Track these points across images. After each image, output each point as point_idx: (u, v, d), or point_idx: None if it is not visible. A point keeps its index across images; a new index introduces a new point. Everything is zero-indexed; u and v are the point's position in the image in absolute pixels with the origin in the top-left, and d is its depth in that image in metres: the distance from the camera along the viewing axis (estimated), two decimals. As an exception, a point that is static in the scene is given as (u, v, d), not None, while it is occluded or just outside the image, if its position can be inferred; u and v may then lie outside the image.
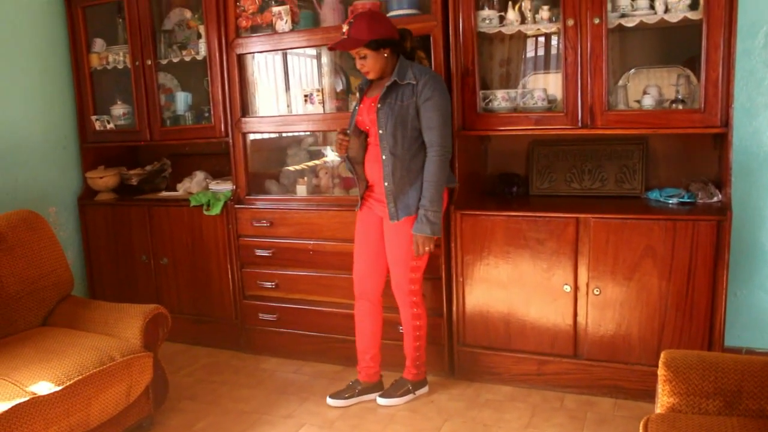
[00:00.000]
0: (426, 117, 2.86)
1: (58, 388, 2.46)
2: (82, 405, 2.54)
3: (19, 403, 2.32)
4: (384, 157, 2.91)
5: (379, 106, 2.90)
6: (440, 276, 3.28)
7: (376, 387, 3.21)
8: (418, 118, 2.88)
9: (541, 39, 3.42)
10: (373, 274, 3.13)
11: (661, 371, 2.08)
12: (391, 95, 2.89)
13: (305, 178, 3.71)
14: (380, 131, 2.91)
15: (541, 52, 3.46)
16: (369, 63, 2.89)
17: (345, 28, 2.88)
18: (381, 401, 3.14)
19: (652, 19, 2.90)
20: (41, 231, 3.20)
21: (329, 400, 3.16)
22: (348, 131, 3.02)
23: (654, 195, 3.19)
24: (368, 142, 3.01)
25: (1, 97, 3.80)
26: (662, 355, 2.12)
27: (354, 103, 3.15)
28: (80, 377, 2.54)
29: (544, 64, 3.46)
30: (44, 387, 2.44)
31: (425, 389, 3.22)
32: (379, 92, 2.92)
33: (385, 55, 2.89)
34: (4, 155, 3.81)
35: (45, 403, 2.40)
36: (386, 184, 2.93)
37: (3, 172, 3.80)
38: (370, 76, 2.94)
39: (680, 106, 2.96)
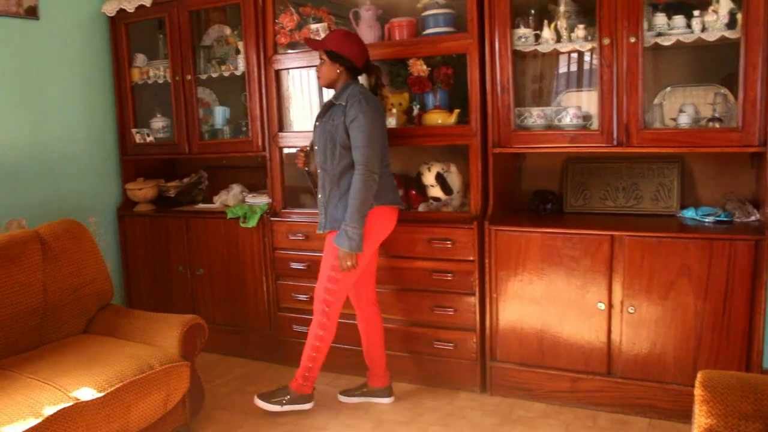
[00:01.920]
0: (352, 137, 2.99)
1: (100, 395, 2.52)
2: (123, 412, 2.60)
3: (64, 408, 2.38)
4: (319, 171, 3.14)
5: (316, 123, 3.16)
6: (474, 292, 3.29)
7: (383, 392, 3.37)
8: (348, 137, 3.01)
9: (575, 55, 3.44)
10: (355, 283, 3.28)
11: (698, 391, 2.06)
12: (327, 114, 3.12)
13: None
14: (315, 147, 3.16)
15: (574, 68, 3.48)
16: (322, 69, 3.13)
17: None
18: (256, 400, 3.27)
19: (688, 38, 2.90)
20: (84, 240, 3.28)
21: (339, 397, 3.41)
22: (308, 147, 3.27)
23: (690, 213, 3.18)
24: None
25: (48, 110, 3.93)
26: (699, 375, 2.10)
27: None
28: (121, 384, 2.60)
29: (578, 81, 3.47)
30: (87, 393, 2.51)
31: (367, 398, 3.38)
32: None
33: (338, 70, 3.09)
34: (49, 166, 3.93)
35: (88, 409, 2.46)
36: (320, 196, 3.16)
37: (48, 182, 3.92)
38: (320, 83, 3.20)
39: (717, 125, 2.95)
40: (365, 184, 2.95)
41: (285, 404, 3.23)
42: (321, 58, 3.11)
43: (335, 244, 3.02)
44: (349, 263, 3.00)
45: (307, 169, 3.31)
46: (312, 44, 3.14)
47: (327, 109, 3.12)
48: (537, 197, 3.52)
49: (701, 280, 2.86)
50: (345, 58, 3.06)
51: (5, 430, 2.25)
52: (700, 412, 2.04)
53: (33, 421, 2.30)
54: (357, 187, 2.95)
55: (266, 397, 3.26)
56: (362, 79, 3.26)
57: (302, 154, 3.30)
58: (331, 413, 3.26)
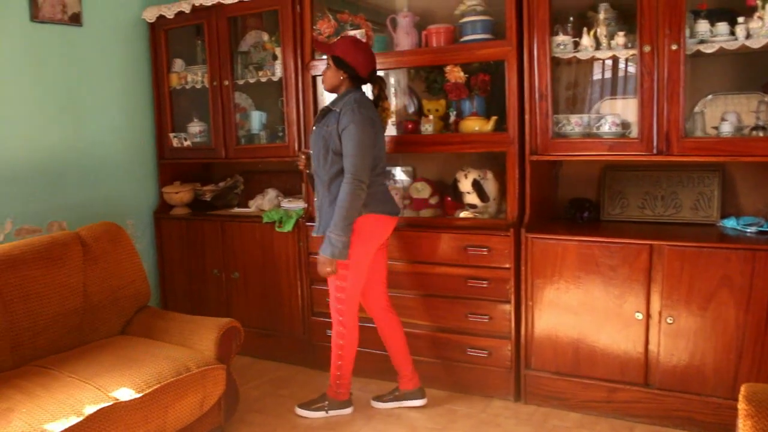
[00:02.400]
0: (343, 144, 2.99)
1: (138, 395, 2.55)
2: (160, 412, 2.62)
3: (104, 408, 2.42)
4: (314, 175, 3.19)
5: (314, 128, 3.18)
6: (509, 299, 3.27)
7: (414, 394, 3.37)
8: (340, 144, 3.01)
9: (609, 62, 3.40)
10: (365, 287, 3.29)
11: (741, 405, 2.03)
12: (323, 120, 3.11)
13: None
14: (311, 152, 3.19)
15: (609, 75, 3.45)
16: (326, 73, 3.15)
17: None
18: (297, 410, 3.32)
19: (732, 46, 2.85)
20: (122, 243, 3.33)
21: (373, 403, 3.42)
22: (309, 150, 3.27)
23: (730, 223, 3.12)
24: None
25: (89, 114, 4.00)
26: (743, 389, 2.07)
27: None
28: (158, 385, 2.63)
29: (614, 88, 3.43)
30: (125, 393, 2.54)
31: (397, 403, 3.38)
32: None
33: (341, 77, 3.10)
34: (88, 169, 4.00)
35: (126, 409, 2.49)
36: (316, 199, 3.21)
37: (87, 185, 3.99)
38: (324, 87, 3.21)
39: (761, 133, 2.90)
40: (352, 193, 2.94)
41: (329, 410, 3.28)
42: (327, 63, 3.13)
43: (319, 251, 3.04)
44: (328, 269, 3.02)
45: (308, 171, 3.34)
46: (320, 47, 3.23)
47: (324, 114, 3.13)
48: (574, 205, 3.49)
49: (743, 291, 2.81)
50: (349, 66, 3.06)
51: (48, 427, 2.29)
52: (745, 426, 2.00)
53: (74, 420, 2.34)
54: (343, 196, 2.95)
55: (307, 406, 3.30)
56: (367, 89, 3.22)
57: (303, 157, 3.35)
58: (363, 419, 3.26)
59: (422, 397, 3.36)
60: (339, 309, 3.18)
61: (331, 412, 3.28)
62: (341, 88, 3.12)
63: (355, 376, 3.44)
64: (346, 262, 3.05)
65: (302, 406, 3.32)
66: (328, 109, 3.10)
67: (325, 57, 3.19)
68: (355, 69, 3.07)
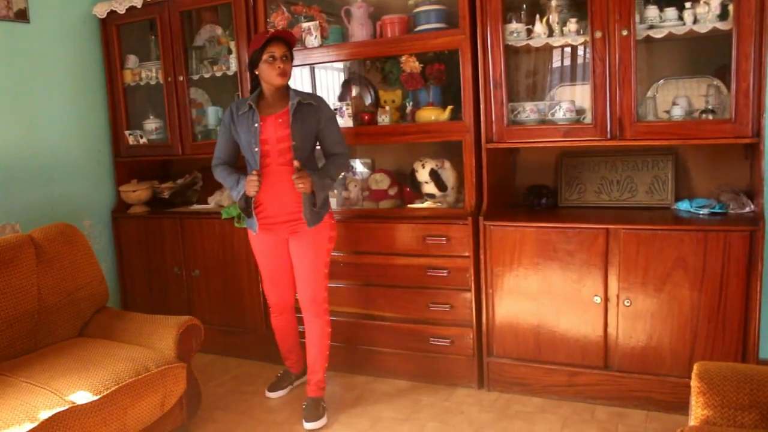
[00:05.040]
0: (333, 131, 3.14)
1: (96, 398, 2.51)
2: (119, 414, 2.58)
3: (59, 412, 2.37)
4: (298, 167, 2.98)
5: (291, 122, 3.02)
6: (470, 288, 3.29)
7: (300, 375, 3.58)
8: (317, 133, 3.12)
9: (568, 50, 3.44)
10: (289, 288, 3.35)
11: (694, 383, 2.07)
12: (298, 113, 3.05)
13: (335, 191, 3.75)
14: (294, 143, 3.03)
15: (567, 62, 3.47)
16: (289, 67, 3.06)
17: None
18: (309, 425, 3.10)
19: (680, 30, 2.90)
20: (78, 244, 3.27)
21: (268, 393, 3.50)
22: (257, 171, 3.03)
23: (684, 206, 3.18)
24: (265, 164, 3.06)
25: (39, 113, 3.91)
26: (695, 367, 2.11)
27: (250, 124, 3.07)
28: (117, 387, 2.59)
29: (571, 75, 3.46)
30: (83, 396, 2.49)
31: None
32: (277, 111, 3.07)
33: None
34: (41, 170, 3.91)
35: (83, 412, 2.45)
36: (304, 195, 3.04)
37: (41, 186, 3.90)
38: (283, 81, 3.02)
39: (710, 117, 2.95)
40: (347, 166, 3.36)
41: (325, 408, 3.23)
42: (286, 56, 3.04)
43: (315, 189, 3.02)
44: (307, 190, 2.99)
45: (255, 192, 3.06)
46: (291, 38, 3.08)
47: (296, 110, 3.03)
48: (531, 192, 3.51)
49: (696, 272, 2.86)
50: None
51: (0, 434, 2.24)
52: (697, 403, 2.05)
53: (29, 426, 2.28)
54: (344, 162, 3.20)
55: (312, 417, 3.12)
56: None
57: (257, 176, 3.02)
58: (329, 412, 3.25)
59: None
60: (326, 298, 3.23)
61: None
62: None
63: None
64: (329, 248, 3.21)
65: (309, 420, 3.11)
66: (299, 103, 3.03)
67: (288, 52, 3.04)
68: None
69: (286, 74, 3.03)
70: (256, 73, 3.07)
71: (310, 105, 3.08)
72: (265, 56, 2.99)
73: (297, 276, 3.21)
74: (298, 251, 3.16)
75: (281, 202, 3.09)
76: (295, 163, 2.96)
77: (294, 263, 3.21)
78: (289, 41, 3.05)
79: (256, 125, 3.04)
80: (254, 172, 3.00)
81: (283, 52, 3.01)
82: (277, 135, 3.04)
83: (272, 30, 3.35)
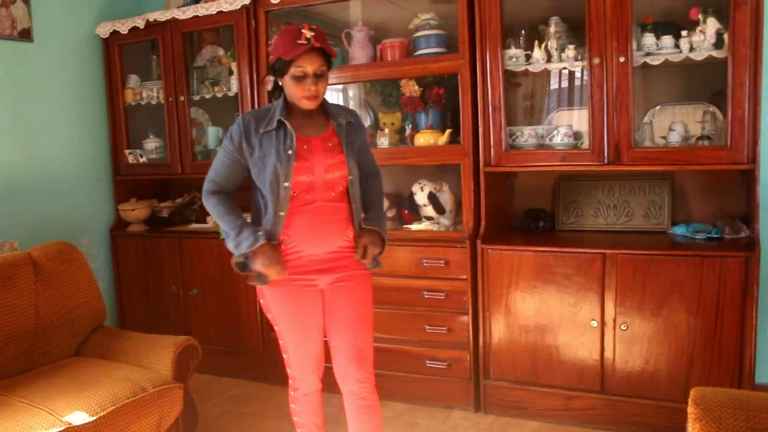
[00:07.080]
0: (368, 150, 2.58)
1: (92, 419, 2.49)
2: (115, 435, 2.58)
3: (55, 433, 2.37)
4: (353, 203, 2.43)
5: (345, 146, 2.39)
6: (467, 311, 3.30)
7: None
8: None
9: (566, 73, 3.47)
10: (322, 353, 2.56)
11: (690, 409, 2.07)
12: (343, 134, 2.41)
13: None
14: (350, 177, 2.40)
15: (565, 85, 3.51)
16: (324, 87, 2.33)
17: (309, 34, 2.21)
18: None
19: (677, 58, 2.94)
20: (76, 262, 3.27)
21: None
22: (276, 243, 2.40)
23: (680, 230, 3.20)
24: (293, 196, 2.35)
25: (41, 131, 3.93)
26: (692, 393, 2.11)
27: (281, 148, 2.32)
28: (113, 408, 2.57)
29: (569, 100, 3.50)
30: (79, 417, 2.48)
31: None
32: (319, 131, 2.39)
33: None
34: (41, 187, 3.92)
35: (80, 433, 2.44)
36: (357, 230, 2.46)
37: (40, 204, 3.91)
38: (311, 106, 2.32)
39: (706, 143, 2.99)
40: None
41: None
42: (320, 73, 2.28)
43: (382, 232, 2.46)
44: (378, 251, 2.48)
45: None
46: (329, 49, 2.28)
47: (340, 132, 2.40)
48: (529, 215, 3.53)
49: (693, 297, 2.88)
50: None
51: (-4, 454, 2.24)
52: (693, 429, 2.05)
53: (24, 446, 2.28)
54: (381, 188, 2.63)
55: None
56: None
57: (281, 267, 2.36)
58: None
59: None
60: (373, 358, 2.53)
61: None
62: None
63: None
64: None
65: None
66: (340, 125, 2.40)
67: (324, 65, 2.31)
68: None
69: (317, 98, 2.31)
70: (280, 83, 2.37)
71: (350, 123, 2.45)
72: (293, 69, 2.25)
73: (339, 330, 2.47)
74: (346, 296, 2.46)
75: (320, 240, 2.39)
76: (363, 244, 2.41)
77: (339, 313, 2.46)
78: (328, 53, 2.29)
79: (290, 152, 2.30)
80: (279, 247, 2.35)
81: (317, 68, 2.26)
82: (326, 163, 2.34)
83: (306, 33, 2.23)
